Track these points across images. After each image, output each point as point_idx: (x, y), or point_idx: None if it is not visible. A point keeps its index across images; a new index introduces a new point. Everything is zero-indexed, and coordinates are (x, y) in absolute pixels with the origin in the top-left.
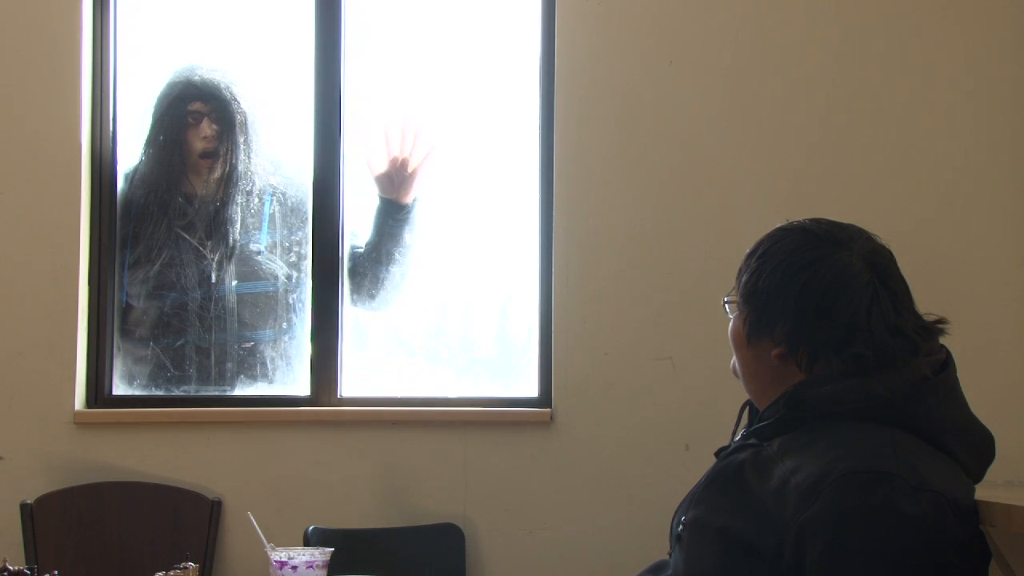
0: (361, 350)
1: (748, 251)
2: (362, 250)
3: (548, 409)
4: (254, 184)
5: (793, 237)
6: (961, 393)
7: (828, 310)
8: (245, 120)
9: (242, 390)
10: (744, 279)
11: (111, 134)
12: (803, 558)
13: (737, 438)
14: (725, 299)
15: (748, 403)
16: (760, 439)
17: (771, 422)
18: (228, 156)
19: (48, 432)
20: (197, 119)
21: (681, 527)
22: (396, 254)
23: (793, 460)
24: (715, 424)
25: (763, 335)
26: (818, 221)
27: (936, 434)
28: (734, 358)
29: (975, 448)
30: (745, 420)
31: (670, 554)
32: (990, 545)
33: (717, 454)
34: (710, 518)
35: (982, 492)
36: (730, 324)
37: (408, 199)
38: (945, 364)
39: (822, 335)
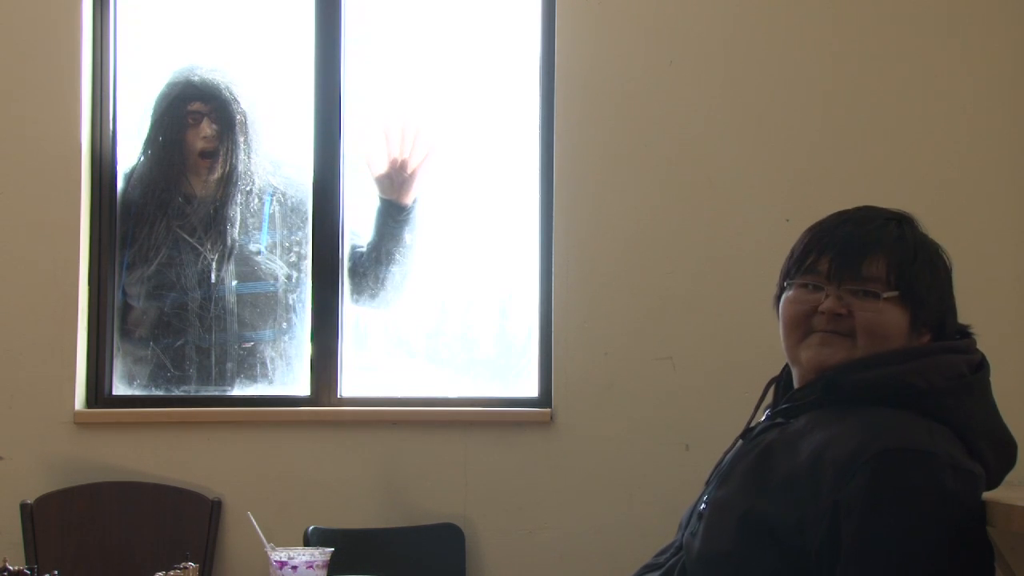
0: (361, 350)
1: (909, 245)
2: (363, 250)
3: (548, 409)
4: (254, 184)
5: (916, 228)
6: (992, 396)
7: (942, 290)
8: (245, 120)
9: (242, 390)
10: (913, 276)
11: (111, 134)
12: (837, 534)
13: (763, 418)
14: (883, 294)
15: (773, 381)
16: (786, 418)
17: (801, 404)
18: (228, 156)
19: (48, 432)
20: (197, 119)
21: (704, 505)
22: (396, 254)
23: (822, 433)
24: (715, 424)
25: (923, 329)
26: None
27: (966, 431)
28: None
29: (1000, 452)
30: (768, 399)
31: (682, 536)
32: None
33: (743, 435)
34: (733, 500)
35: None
36: (873, 316)
37: (408, 200)
38: (981, 365)
39: (953, 317)
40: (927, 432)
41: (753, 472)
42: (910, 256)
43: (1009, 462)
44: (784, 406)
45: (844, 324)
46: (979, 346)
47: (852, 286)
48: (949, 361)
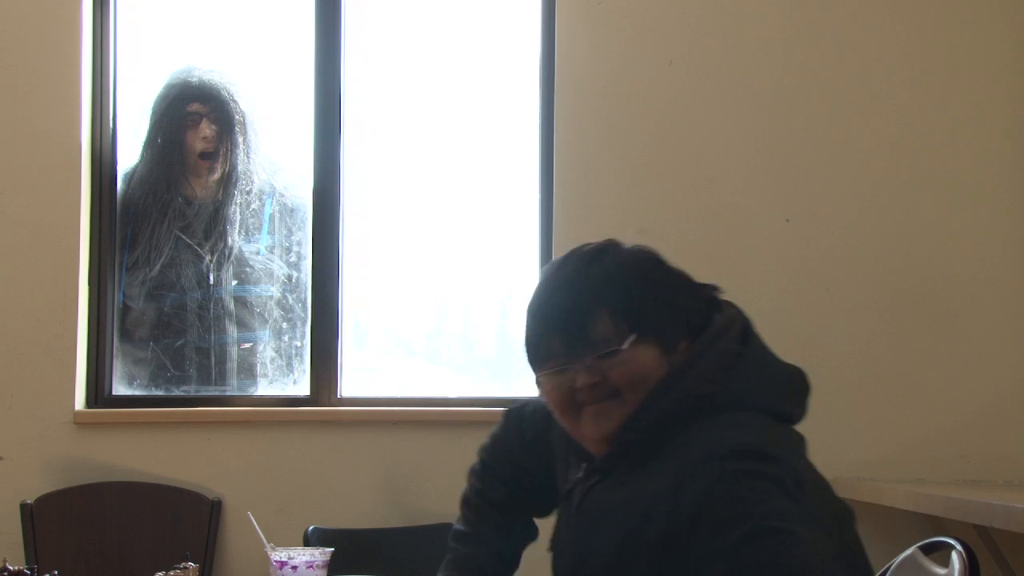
0: (361, 350)
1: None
2: None
3: None
4: (253, 185)
5: (613, 257)
6: (771, 351)
7: (671, 299)
8: (244, 120)
9: (242, 390)
10: (638, 311)
11: (111, 134)
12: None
13: (580, 474)
14: (623, 347)
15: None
16: (602, 474)
17: (613, 453)
18: (227, 157)
19: (48, 432)
20: (196, 120)
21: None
22: None
23: (647, 486)
24: None
25: (674, 344)
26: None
27: (767, 404)
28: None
29: (799, 394)
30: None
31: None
32: (989, 544)
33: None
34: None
35: (982, 492)
36: (626, 369)
37: None
38: (745, 328)
39: (694, 304)
40: (735, 429)
41: (617, 546)
42: (621, 292)
43: (806, 393)
44: (597, 465)
45: (605, 389)
46: (980, 345)
47: (593, 354)
48: (718, 350)
